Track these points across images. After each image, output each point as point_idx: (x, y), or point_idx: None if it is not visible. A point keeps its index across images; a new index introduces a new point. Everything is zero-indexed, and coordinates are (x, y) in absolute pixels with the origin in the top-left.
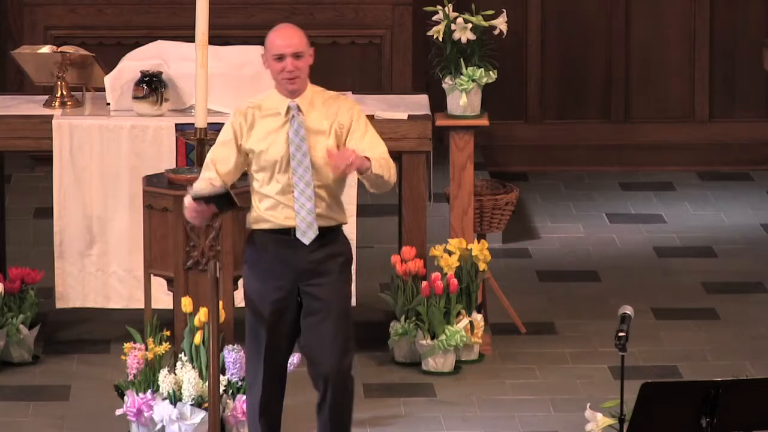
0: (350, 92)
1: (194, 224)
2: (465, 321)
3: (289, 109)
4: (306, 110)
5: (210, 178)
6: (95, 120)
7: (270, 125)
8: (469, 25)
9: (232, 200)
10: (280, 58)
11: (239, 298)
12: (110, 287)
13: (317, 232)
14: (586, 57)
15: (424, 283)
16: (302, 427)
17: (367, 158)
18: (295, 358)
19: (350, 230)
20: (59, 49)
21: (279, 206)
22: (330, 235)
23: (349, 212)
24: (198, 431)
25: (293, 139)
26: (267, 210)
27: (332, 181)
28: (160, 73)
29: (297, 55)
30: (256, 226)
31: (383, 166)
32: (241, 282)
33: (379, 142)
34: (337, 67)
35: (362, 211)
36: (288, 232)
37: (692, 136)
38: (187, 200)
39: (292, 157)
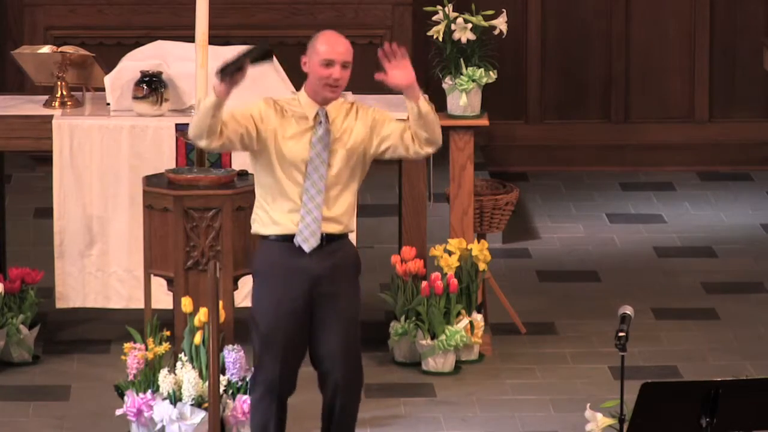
0: (350, 92)
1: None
2: (465, 321)
3: (317, 114)
4: (332, 119)
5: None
6: (95, 120)
7: (295, 127)
8: (469, 25)
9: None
10: (329, 64)
11: (239, 298)
12: (110, 287)
13: (319, 241)
14: (586, 57)
15: (424, 283)
16: (302, 426)
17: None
18: None
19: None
20: (59, 49)
21: (290, 211)
22: (338, 241)
23: None
24: (198, 431)
25: (315, 144)
26: (278, 213)
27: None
28: (160, 73)
29: (345, 65)
30: (264, 231)
31: (431, 111)
32: (241, 282)
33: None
34: None
35: (362, 211)
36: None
37: (692, 136)
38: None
39: (310, 161)
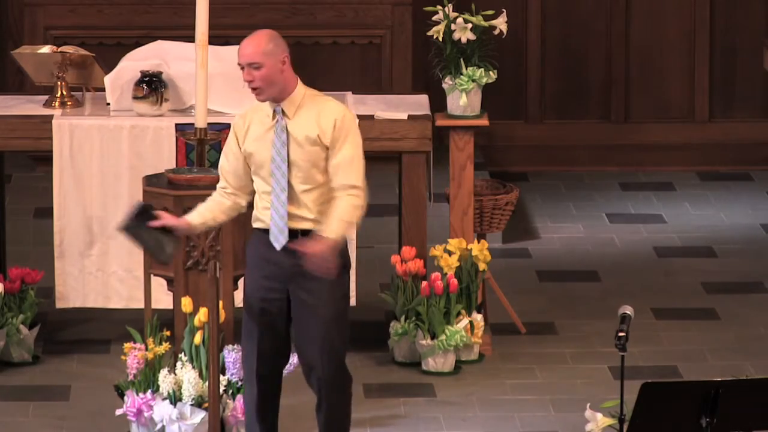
0: (350, 92)
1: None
2: (465, 321)
3: (274, 112)
4: (291, 114)
5: (222, 187)
6: (95, 120)
7: (260, 128)
8: (469, 25)
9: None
10: (242, 68)
11: (239, 298)
12: (110, 287)
13: (287, 238)
14: (586, 57)
15: (424, 283)
16: (302, 426)
17: (330, 244)
18: (294, 358)
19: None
20: (59, 49)
21: (265, 208)
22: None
23: None
24: (198, 431)
25: (275, 142)
26: (260, 210)
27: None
28: (160, 73)
29: (253, 66)
30: (253, 225)
31: (343, 219)
32: (240, 282)
33: (350, 167)
34: (337, 67)
35: None
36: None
37: (692, 136)
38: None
39: (272, 160)
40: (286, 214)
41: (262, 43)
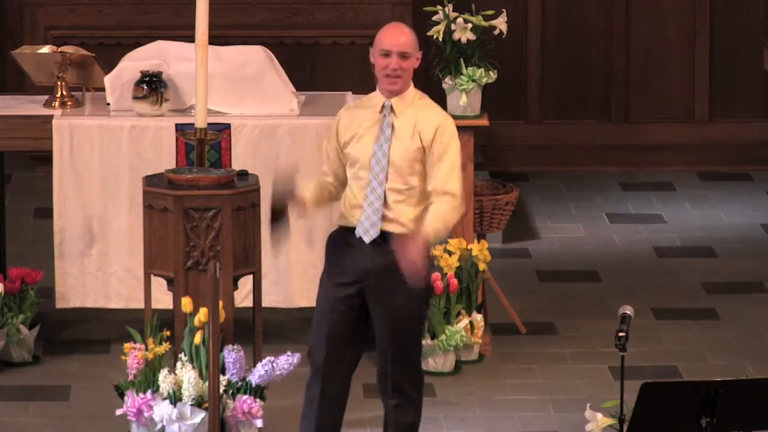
0: (350, 92)
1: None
2: (465, 321)
3: (383, 106)
4: (400, 112)
5: (323, 171)
6: (95, 120)
7: (364, 121)
8: (469, 25)
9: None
10: (387, 54)
11: (239, 298)
12: (110, 287)
13: (378, 233)
14: (586, 57)
15: None
16: None
17: (424, 243)
18: (294, 358)
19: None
20: (59, 49)
21: (356, 204)
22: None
23: None
24: (198, 431)
25: (379, 136)
26: (347, 207)
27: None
28: (160, 73)
29: (403, 55)
30: (337, 222)
31: (439, 221)
32: (241, 282)
33: (450, 174)
34: (337, 67)
35: None
36: (355, 231)
37: (692, 136)
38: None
39: (373, 154)
40: (381, 208)
41: (412, 35)
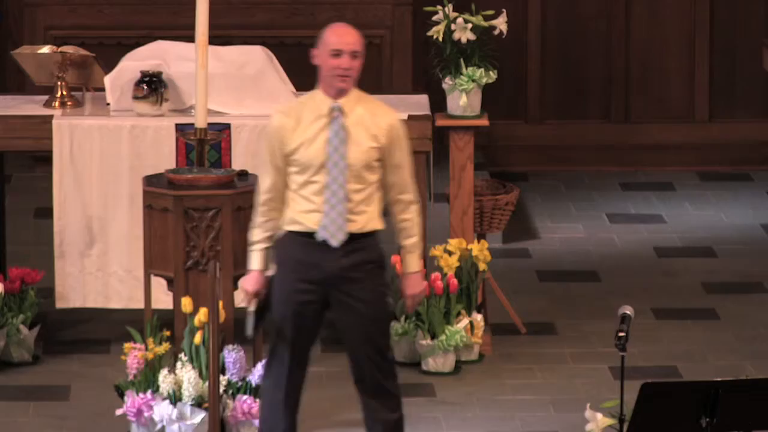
0: None
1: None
2: (465, 321)
3: (331, 109)
4: (348, 111)
5: (266, 191)
6: (95, 120)
7: (312, 125)
8: (469, 25)
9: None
10: (338, 54)
11: (239, 298)
12: (110, 287)
13: (347, 236)
14: (586, 57)
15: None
16: (305, 426)
17: (422, 275)
18: None
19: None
20: (59, 49)
21: (312, 209)
22: (361, 241)
23: None
24: (198, 431)
25: (332, 140)
26: (300, 213)
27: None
28: (160, 73)
29: (354, 54)
30: (287, 227)
31: (420, 242)
32: (240, 282)
33: (409, 180)
34: None
35: None
36: (314, 235)
37: (692, 136)
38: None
39: (329, 158)
40: (345, 211)
41: (359, 35)
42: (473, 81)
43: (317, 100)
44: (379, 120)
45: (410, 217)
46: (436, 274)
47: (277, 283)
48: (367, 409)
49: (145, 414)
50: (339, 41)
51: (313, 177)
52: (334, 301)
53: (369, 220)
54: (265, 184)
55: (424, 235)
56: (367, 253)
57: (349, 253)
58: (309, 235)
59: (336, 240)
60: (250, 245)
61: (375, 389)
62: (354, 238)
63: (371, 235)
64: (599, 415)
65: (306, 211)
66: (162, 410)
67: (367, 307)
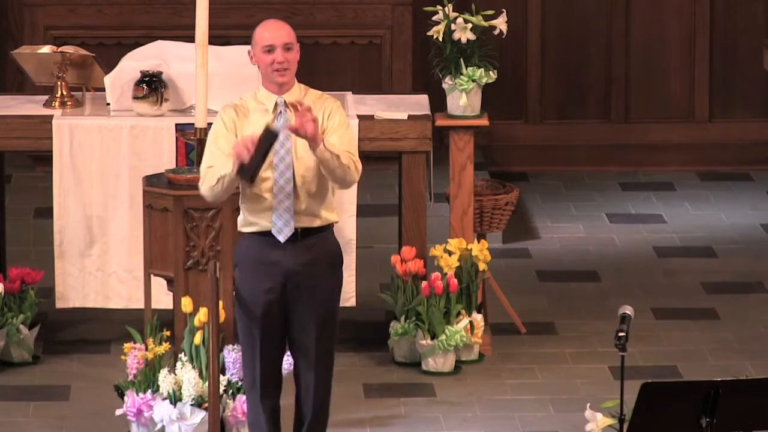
0: (350, 92)
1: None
2: (465, 321)
3: (276, 105)
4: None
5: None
6: (95, 120)
7: (257, 121)
8: (469, 25)
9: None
10: (270, 50)
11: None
12: (110, 287)
13: (293, 231)
14: (586, 57)
15: (424, 283)
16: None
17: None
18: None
19: (350, 230)
20: (59, 49)
21: (264, 208)
22: (316, 235)
23: (349, 212)
24: (198, 431)
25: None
26: (253, 214)
27: (318, 179)
28: (160, 73)
29: (287, 47)
30: (243, 230)
31: (342, 155)
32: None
33: (350, 142)
34: (337, 67)
35: (362, 211)
36: (271, 234)
37: (692, 136)
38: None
39: (275, 153)
40: (292, 206)
41: (290, 28)
42: (473, 81)
43: (261, 97)
44: (318, 109)
45: (341, 154)
46: (436, 274)
47: (240, 287)
48: (297, 400)
49: (145, 414)
50: (270, 36)
51: (264, 173)
52: (293, 298)
53: (321, 214)
54: (206, 162)
55: (341, 163)
56: (321, 248)
57: (303, 249)
58: (265, 234)
59: (283, 235)
60: (222, 175)
61: (315, 405)
62: (308, 233)
63: (326, 229)
64: (599, 415)
65: (259, 210)
66: (162, 410)
67: (322, 303)
